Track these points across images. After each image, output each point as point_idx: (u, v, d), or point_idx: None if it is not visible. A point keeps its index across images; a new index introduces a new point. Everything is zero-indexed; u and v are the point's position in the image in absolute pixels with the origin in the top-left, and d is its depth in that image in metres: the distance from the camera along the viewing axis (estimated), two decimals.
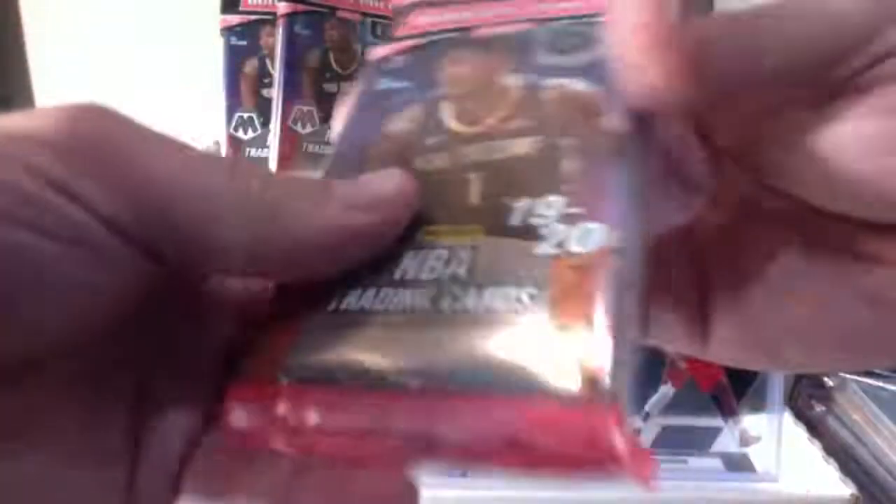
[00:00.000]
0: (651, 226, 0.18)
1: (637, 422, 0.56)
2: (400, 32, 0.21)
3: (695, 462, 0.56)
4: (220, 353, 0.18)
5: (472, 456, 0.15)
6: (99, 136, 0.15)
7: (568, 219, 0.15)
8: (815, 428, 0.58)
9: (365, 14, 0.61)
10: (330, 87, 0.61)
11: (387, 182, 0.17)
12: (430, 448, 0.15)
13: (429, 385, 0.15)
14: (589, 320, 0.14)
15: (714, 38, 0.16)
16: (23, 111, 0.15)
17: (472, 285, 0.16)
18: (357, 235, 0.16)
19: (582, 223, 0.15)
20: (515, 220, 0.16)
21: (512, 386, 0.14)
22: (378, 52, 0.21)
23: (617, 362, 0.14)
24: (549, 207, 0.16)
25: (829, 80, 0.16)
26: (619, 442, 0.13)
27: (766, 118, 0.18)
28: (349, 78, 0.62)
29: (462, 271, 0.16)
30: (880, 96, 0.16)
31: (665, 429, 0.56)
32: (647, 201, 0.16)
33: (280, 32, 0.59)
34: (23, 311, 0.14)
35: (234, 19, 0.62)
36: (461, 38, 0.20)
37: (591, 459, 0.14)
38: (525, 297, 0.15)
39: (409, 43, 0.20)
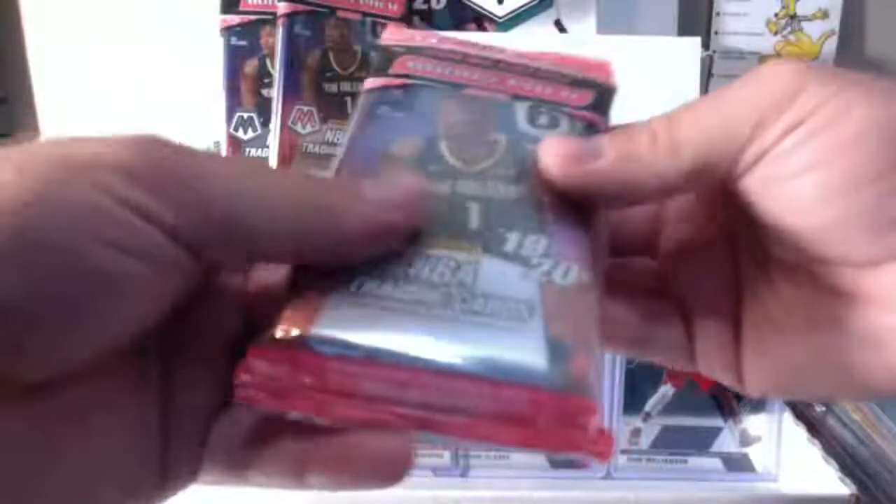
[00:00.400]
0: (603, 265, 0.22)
1: (637, 422, 0.56)
2: (393, 70, 0.24)
3: (695, 462, 0.56)
4: (230, 341, 0.20)
5: (473, 429, 0.18)
6: (164, 161, 0.17)
7: (551, 256, 0.20)
8: (815, 428, 0.58)
9: (365, 14, 0.61)
10: (330, 87, 0.61)
11: (410, 186, 0.20)
12: (437, 419, 0.18)
13: (444, 366, 0.18)
14: (575, 336, 0.19)
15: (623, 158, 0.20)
16: (92, 139, 0.17)
17: (479, 294, 0.19)
18: (387, 229, 0.19)
19: (563, 262, 0.20)
20: (509, 247, 0.20)
21: (517, 376, 0.18)
22: (373, 82, 0.24)
23: (594, 367, 0.18)
24: (536, 244, 0.20)
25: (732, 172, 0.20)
26: (594, 425, 0.17)
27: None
28: (349, 78, 0.62)
29: (468, 280, 0.20)
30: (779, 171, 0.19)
31: (665, 429, 0.56)
32: (602, 249, 0.22)
33: (280, 32, 0.59)
34: (93, 320, 0.16)
35: (234, 19, 0.62)
36: (454, 92, 0.24)
37: (570, 437, 0.17)
38: (524, 310, 0.19)
39: (401, 81, 0.24)
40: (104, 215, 0.15)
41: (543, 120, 0.23)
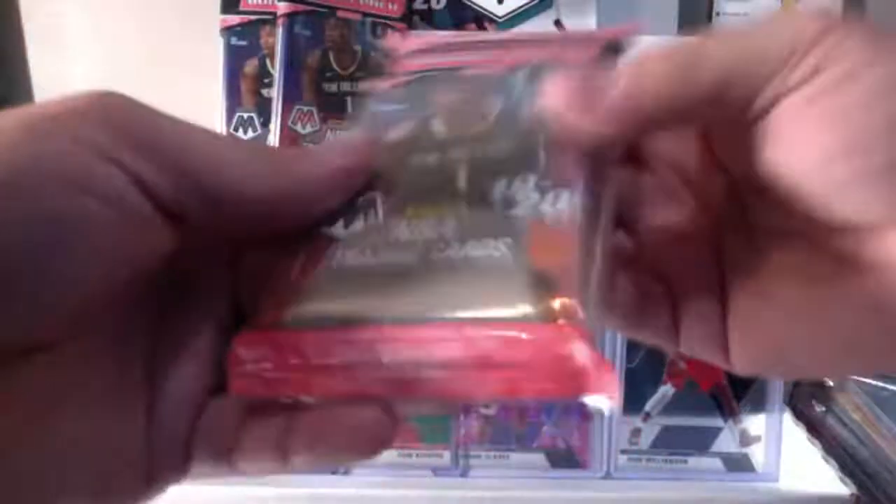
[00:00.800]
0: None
1: (637, 422, 0.56)
2: (397, 71, 0.24)
3: (695, 462, 0.56)
4: (218, 328, 0.20)
5: (456, 382, 0.16)
6: (130, 114, 0.17)
7: (541, 188, 0.19)
8: (815, 428, 0.58)
9: (365, 14, 0.61)
10: (330, 87, 0.61)
11: (354, 138, 0.22)
12: (419, 379, 0.17)
13: (417, 318, 0.17)
14: (562, 266, 0.17)
15: (648, 73, 0.19)
16: (53, 98, 0.17)
17: (456, 241, 0.18)
18: (344, 171, 0.20)
19: (553, 190, 0.18)
20: (496, 195, 0.19)
21: (495, 316, 0.16)
22: (378, 85, 0.24)
23: (586, 296, 0.17)
24: (525, 181, 0.19)
25: (754, 107, 0.18)
26: (584, 352, 0.16)
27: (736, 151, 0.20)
28: (349, 78, 0.62)
29: (448, 232, 0.19)
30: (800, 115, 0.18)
31: (665, 429, 0.56)
32: (608, 194, 0.20)
33: (280, 32, 0.59)
34: (67, 267, 0.16)
35: (234, 19, 0.62)
36: (449, 75, 0.23)
37: (560, 370, 0.16)
38: (502, 246, 0.18)
39: (404, 79, 0.24)
40: (68, 160, 0.16)
41: (543, 78, 0.21)
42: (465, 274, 0.18)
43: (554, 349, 0.16)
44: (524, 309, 0.16)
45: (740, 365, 0.22)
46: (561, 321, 0.16)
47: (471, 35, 0.26)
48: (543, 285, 0.16)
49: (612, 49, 0.22)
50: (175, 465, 0.20)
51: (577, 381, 0.16)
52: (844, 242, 0.19)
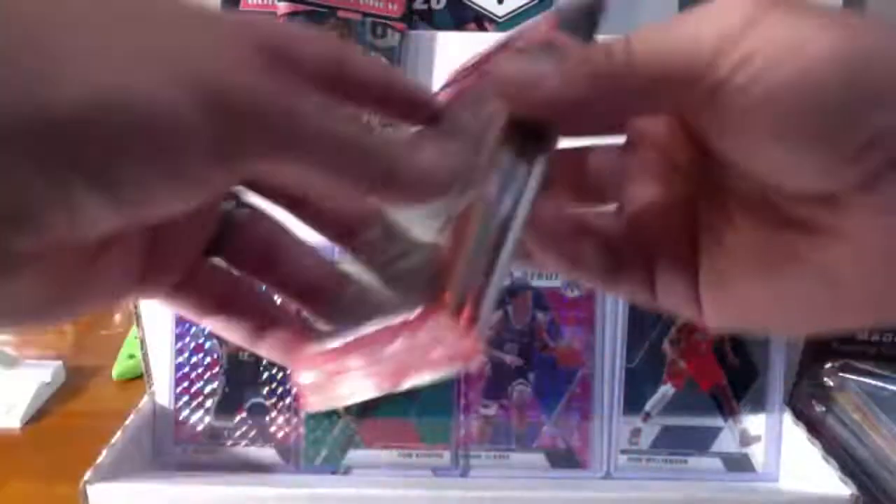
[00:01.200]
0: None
1: (637, 422, 0.56)
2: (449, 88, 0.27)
3: (695, 462, 0.56)
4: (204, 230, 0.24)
5: (399, 372, 0.20)
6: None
7: (465, 193, 0.21)
8: (815, 428, 0.58)
9: (365, 14, 0.61)
10: None
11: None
12: (386, 372, 0.20)
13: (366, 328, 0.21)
14: (453, 250, 0.20)
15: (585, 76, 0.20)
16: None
17: (399, 256, 0.23)
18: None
19: (469, 192, 0.21)
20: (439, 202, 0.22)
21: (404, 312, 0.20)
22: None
23: (465, 285, 0.19)
24: (462, 190, 0.21)
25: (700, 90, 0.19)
26: (448, 340, 0.19)
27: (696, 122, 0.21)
28: None
29: (395, 248, 0.23)
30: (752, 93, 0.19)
31: (665, 429, 0.56)
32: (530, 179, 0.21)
33: None
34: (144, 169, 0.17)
35: None
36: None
37: (446, 353, 0.19)
38: (426, 255, 0.21)
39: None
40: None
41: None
42: (394, 285, 0.22)
43: (427, 315, 0.19)
44: (413, 308, 0.19)
45: (711, 321, 0.23)
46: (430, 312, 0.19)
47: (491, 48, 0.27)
48: (437, 276, 0.20)
49: (577, 14, 0.23)
50: (158, 284, 0.23)
51: (445, 361, 0.19)
52: (802, 211, 0.20)
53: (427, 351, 0.19)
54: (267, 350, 0.24)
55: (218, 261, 0.25)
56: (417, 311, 0.19)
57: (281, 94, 0.18)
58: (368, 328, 0.21)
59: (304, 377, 0.23)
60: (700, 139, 0.22)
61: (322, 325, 0.24)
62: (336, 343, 0.22)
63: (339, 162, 0.19)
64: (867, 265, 0.19)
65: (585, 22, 0.23)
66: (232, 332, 0.24)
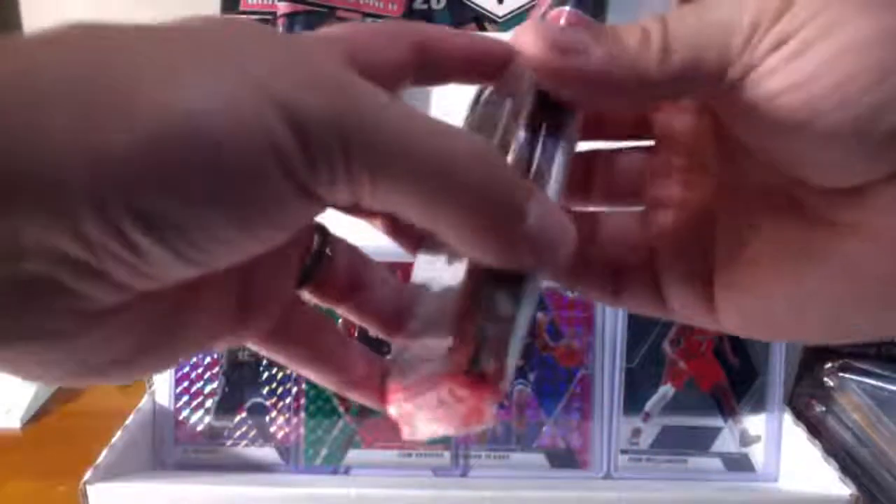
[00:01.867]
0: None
1: (637, 422, 0.56)
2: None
3: (695, 462, 0.56)
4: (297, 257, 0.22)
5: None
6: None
7: None
8: (815, 428, 0.58)
9: (365, 14, 0.61)
10: None
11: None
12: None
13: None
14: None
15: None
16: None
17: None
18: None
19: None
20: None
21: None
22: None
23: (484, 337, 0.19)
24: None
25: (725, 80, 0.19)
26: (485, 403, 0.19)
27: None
28: None
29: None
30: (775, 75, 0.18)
31: (665, 429, 0.56)
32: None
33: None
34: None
35: None
36: None
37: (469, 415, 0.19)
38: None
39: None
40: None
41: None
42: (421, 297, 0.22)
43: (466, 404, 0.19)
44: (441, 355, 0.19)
45: (729, 325, 0.23)
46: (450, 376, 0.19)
47: None
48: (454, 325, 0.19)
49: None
50: (252, 331, 0.22)
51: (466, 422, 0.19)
52: (825, 208, 0.20)
53: (454, 409, 0.19)
54: (358, 398, 0.23)
55: (305, 294, 0.23)
56: (441, 365, 0.19)
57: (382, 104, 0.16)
58: (424, 369, 0.20)
59: (390, 409, 0.22)
60: (726, 132, 0.21)
61: (402, 354, 0.23)
62: (406, 381, 0.21)
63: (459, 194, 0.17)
64: (891, 259, 0.19)
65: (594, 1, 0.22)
66: (323, 382, 0.23)
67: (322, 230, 0.23)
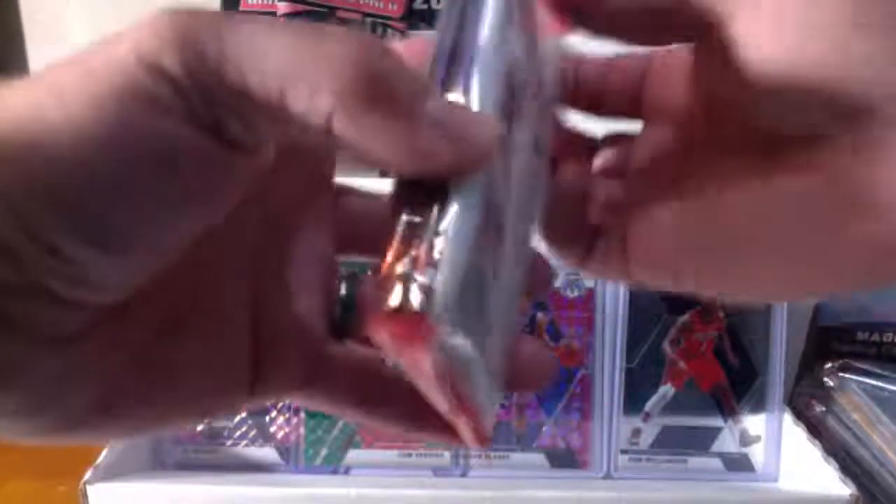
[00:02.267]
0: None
1: (637, 422, 0.56)
2: None
3: (695, 462, 0.56)
4: (326, 265, 0.21)
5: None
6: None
7: None
8: (815, 428, 0.58)
9: (365, 14, 0.61)
10: None
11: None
12: None
13: None
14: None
15: None
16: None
17: None
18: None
19: None
20: None
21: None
22: None
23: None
24: None
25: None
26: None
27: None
28: None
29: None
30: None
31: (665, 429, 0.56)
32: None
33: None
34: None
35: None
36: None
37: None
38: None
39: None
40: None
41: None
42: None
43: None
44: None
45: (691, 285, 0.22)
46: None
47: None
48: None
49: None
50: (278, 382, 0.21)
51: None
52: (783, 148, 0.20)
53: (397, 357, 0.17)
54: (428, 437, 0.22)
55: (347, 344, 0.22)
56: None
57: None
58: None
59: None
60: (712, 101, 0.21)
61: None
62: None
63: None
64: (839, 193, 0.19)
65: None
66: (382, 427, 0.22)
67: (351, 277, 0.22)
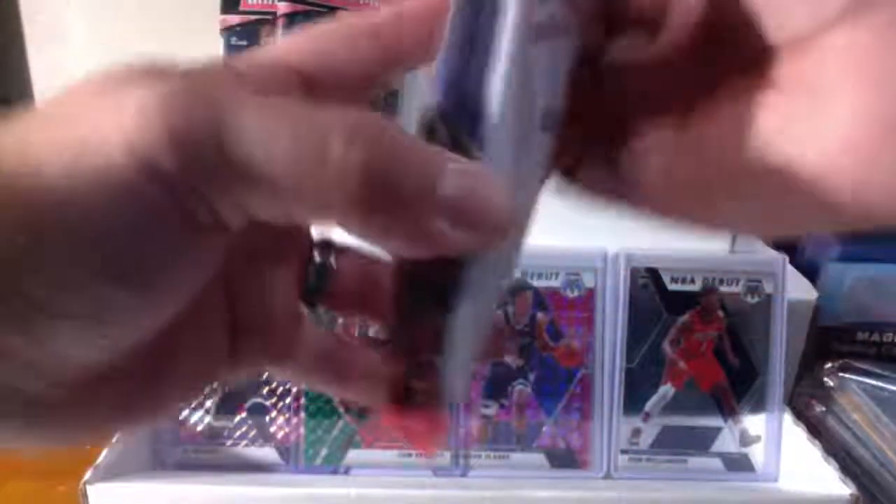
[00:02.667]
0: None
1: (637, 422, 0.56)
2: None
3: (695, 462, 0.56)
4: (298, 255, 0.22)
5: None
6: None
7: None
8: (815, 428, 0.58)
9: None
10: None
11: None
12: None
13: None
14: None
15: None
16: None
17: None
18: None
19: None
20: None
21: None
22: None
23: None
24: None
25: None
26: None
27: None
28: None
29: None
30: None
31: (665, 429, 0.56)
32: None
33: (280, 32, 0.59)
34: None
35: (234, 19, 0.62)
36: None
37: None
38: None
39: None
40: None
41: None
42: None
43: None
44: None
45: (648, 206, 0.21)
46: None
47: None
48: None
49: None
50: (253, 357, 0.21)
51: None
52: (762, 61, 0.19)
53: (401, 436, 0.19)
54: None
55: (317, 311, 0.23)
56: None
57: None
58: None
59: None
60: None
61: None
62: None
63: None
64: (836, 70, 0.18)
65: None
66: (344, 394, 0.23)
67: (325, 244, 0.23)
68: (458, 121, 0.16)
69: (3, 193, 0.14)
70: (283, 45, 0.19)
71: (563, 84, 0.19)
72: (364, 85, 0.19)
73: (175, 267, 0.16)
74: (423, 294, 0.16)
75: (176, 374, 0.19)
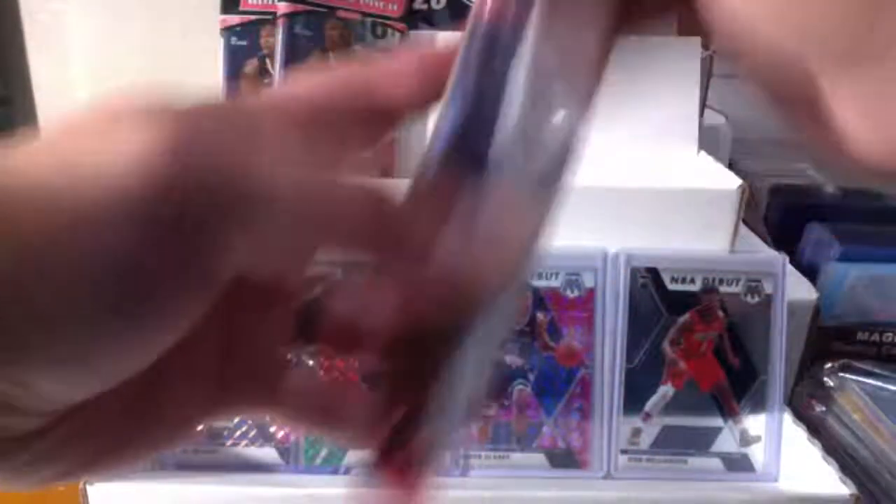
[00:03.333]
0: None
1: (637, 422, 0.56)
2: None
3: (695, 462, 0.56)
4: (287, 323, 0.21)
5: None
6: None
7: None
8: (815, 428, 0.58)
9: (365, 14, 0.61)
10: None
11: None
12: None
13: None
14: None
15: None
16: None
17: None
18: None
19: None
20: None
21: None
22: None
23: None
24: None
25: None
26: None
27: None
28: None
29: None
30: None
31: (665, 429, 0.56)
32: None
33: (280, 32, 0.59)
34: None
35: (234, 19, 0.62)
36: None
37: None
38: None
39: None
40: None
41: None
42: None
43: None
44: None
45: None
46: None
47: None
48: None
49: None
50: (242, 401, 0.21)
51: None
52: None
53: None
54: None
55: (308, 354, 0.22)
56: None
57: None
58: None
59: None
60: None
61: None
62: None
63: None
64: None
65: None
66: (346, 444, 0.22)
67: (320, 283, 0.22)
68: (462, 164, 0.16)
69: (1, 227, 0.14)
70: (280, 94, 0.19)
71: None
72: (359, 137, 0.20)
73: (168, 304, 0.16)
74: (420, 342, 0.16)
75: (162, 418, 0.19)
